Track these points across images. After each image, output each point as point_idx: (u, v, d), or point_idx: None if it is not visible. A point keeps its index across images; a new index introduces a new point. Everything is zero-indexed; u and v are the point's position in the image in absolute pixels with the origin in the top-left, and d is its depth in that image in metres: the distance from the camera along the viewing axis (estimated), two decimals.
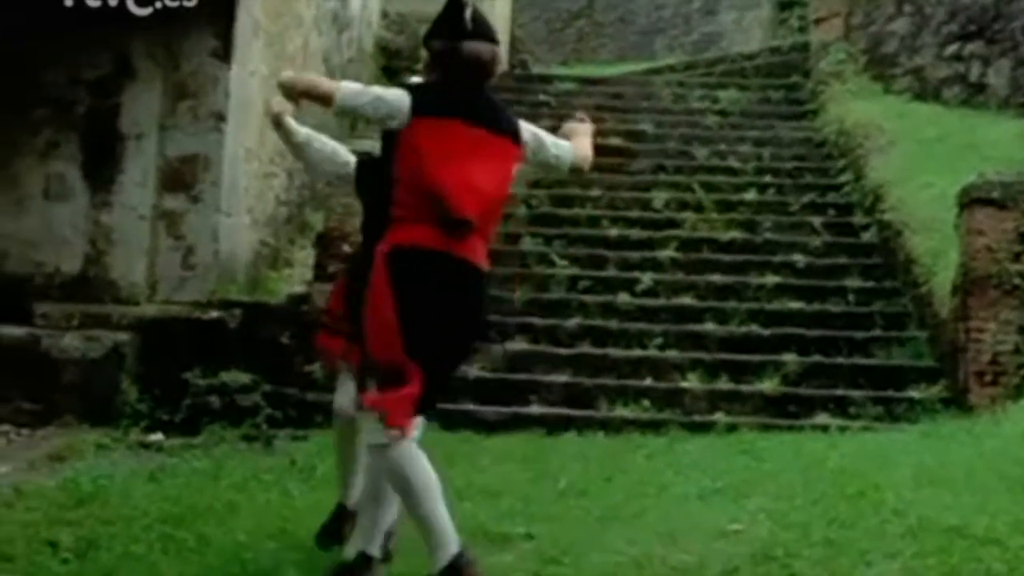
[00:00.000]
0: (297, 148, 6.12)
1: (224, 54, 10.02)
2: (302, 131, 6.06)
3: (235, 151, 10.19)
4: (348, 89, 5.00)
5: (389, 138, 5.13)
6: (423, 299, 4.84)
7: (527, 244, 12.49)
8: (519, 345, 10.69)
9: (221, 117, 9.99)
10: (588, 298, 11.42)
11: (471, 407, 9.72)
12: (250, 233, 10.77)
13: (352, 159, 6.07)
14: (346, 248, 9.83)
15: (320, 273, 9.94)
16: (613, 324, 11.02)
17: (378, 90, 5.01)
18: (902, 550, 5.40)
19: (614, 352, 10.58)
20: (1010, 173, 9.77)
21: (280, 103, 5.74)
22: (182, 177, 9.98)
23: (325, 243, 10.01)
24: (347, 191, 9.79)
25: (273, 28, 11.16)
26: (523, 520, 6.31)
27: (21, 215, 9.94)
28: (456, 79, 4.99)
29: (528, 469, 7.90)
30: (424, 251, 4.85)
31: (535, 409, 9.81)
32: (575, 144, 5.36)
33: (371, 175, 5.88)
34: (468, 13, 5.00)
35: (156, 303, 9.91)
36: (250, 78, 10.54)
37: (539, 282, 11.75)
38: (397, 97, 4.92)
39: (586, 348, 10.70)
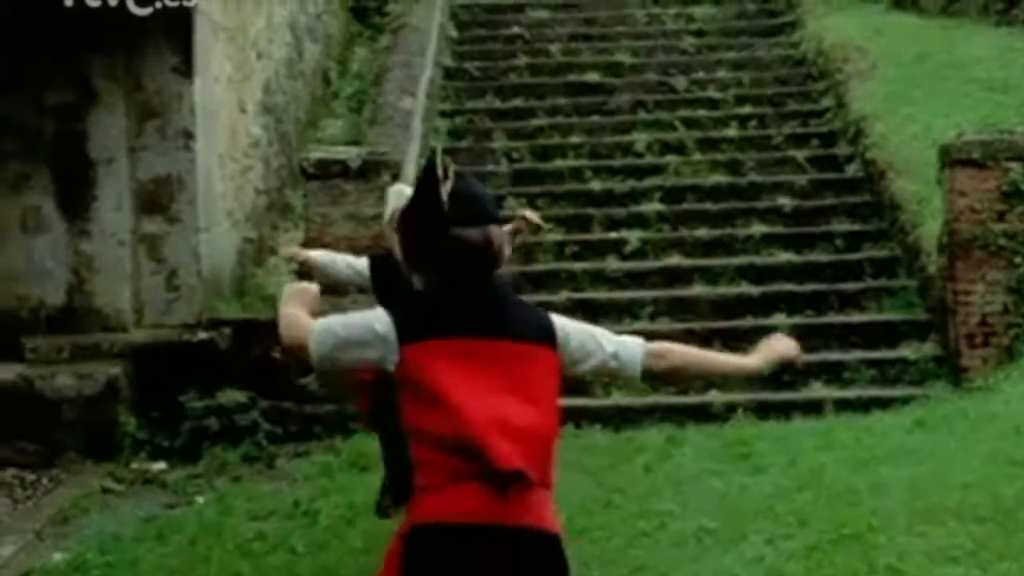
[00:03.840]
0: (321, 272, 6.42)
1: (186, 68, 9.85)
2: (323, 256, 6.46)
3: (208, 164, 10.08)
4: (317, 336, 3.60)
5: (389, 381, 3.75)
6: None
7: (510, 207, 12.39)
8: None
9: (189, 134, 9.86)
10: (576, 266, 11.40)
11: None
12: (232, 237, 10.70)
13: (363, 265, 6.35)
14: None
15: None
16: (603, 294, 11.02)
17: (350, 322, 3.64)
18: None
19: (606, 327, 10.54)
20: (990, 131, 9.68)
21: (289, 251, 6.00)
22: (157, 199, 9.88)
23: None
24: (321, 200, 9.90)
25: (232, 21, 10.96)
26: None
27: (1, 250, 9.88)
28: (452, 280, 3.65)
29: None
30: (461, 529, 3.49)
31: None
32: (679, 358, 3.88)
33: (386, 274, 6.15)
34: (446, 189, 3.58)
35: (144, 328, 9.89)
36: (214, 84, 10.39)
37: (526, 251, 11.70)
38: (376, 327, 3.58)
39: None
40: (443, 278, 3.67)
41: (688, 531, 6.90)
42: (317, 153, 10.18)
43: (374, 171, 9.83)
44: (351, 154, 9.92)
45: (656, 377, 3.91)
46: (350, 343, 3.60)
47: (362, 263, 6.33)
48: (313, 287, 3.90)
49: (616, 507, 7.52)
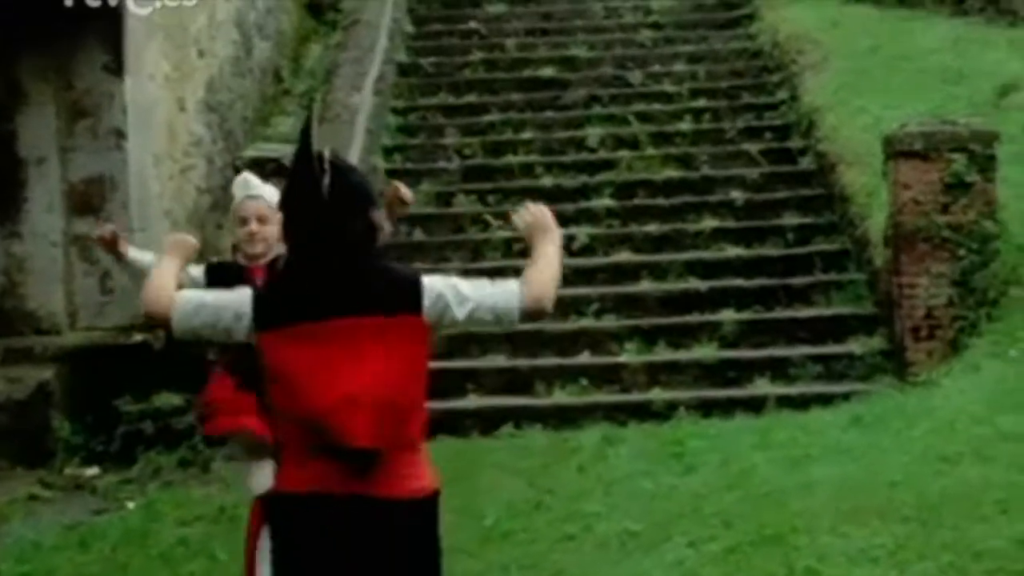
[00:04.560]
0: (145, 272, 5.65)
1: (117, 67, 9.67)
2: (142, 256, 5.60)
3: (141, 164, 9.90)
4: (180, 307, 3.86)
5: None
6: (309, 559, 3.82)
7: (461, 203, 12.26)
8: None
9: (121, 134, 9.68)
10: (523, 263, 11.17)
11: None
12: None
13: (197, 272, 5.58)
14: None
15: None
16: None
17: (219, 301, 3.89)
18: None
19: (550, 326, 10.41)
20: (933, 121, 9.52)
21: (103, 228, 5.58)
22: (89, 200, 9.71)
23: None
24: None
25: (171, 20, 10.78)
26: None
27: None
28: (318, 264, 3.85)
29: (455, 495, 7.73)
30: (313, 497, 3.78)
31: (472, 402, 9.71)
32: (530, 278, 4.00)
33: (226, 283, 5.59)
34: (325, 183, 3.82)
35: (78, 331, 9.72)
36: (149, 82, 10.20)
37: (474, 248, 11.56)
38: (235, 308, 3.85)
39: (522, 324, 10.49)
40: (310, 263, 3.87)
41: (612, 533, 6.77)
42: (251, 151, 10.01)
43: None
44: (286, 152, 9.75)
45: (531, 314, 4.03)
46: (210, 322, 3.86)
47: (197, 270, 5.91)
48: (191, 239, 4.30)
49: (545, 509, 7.39)
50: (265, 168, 9.67)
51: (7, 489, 8.75)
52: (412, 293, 3.87)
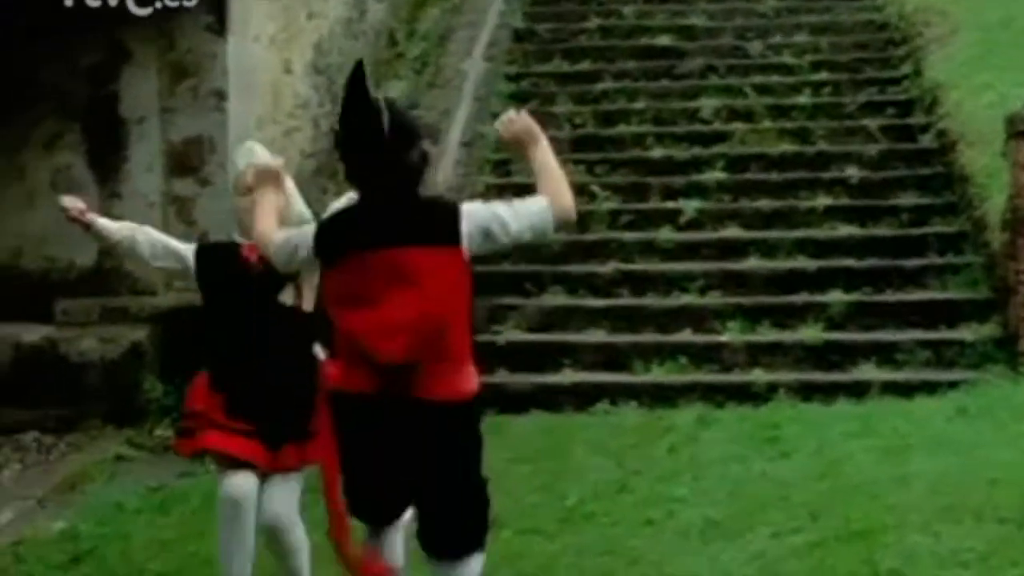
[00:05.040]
0: (120, 247, 5.58)
1: (219, 28, 9.60)
2: (116, 228, 5.49)
3: (243, 126, 9.81)
4: (275, 251, 4.54)
5: None
6: (359, 443, 4.42)
7: (568, 174, 11.95)
8: (554, 298, 10.33)
9: (221, 95, 9.62)
10: (628, 236, 10.97)
11: (501, 378, 9.46)
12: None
13: (187, 251, 5.49)
14: None
15: None
16: (653, 266, 10.59)
17: (289, 238, 4.51)
18: None
19: (652, 302, 10.18)
20: None
21: (71, 200, 5.37)
22: (188, 160, 9.67)
23: None
24: None
25: None
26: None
27: (32, 210, 9.75)
28: (372, 197, 4.35)
29: (540, 474, 7.62)
30: (355, 395, 4.35)
31: (567, 376, 9.50)
32: (548, 190, 4.36)
33: (215, 266, 5.43)
34: (386, 119, 4.25)
35: (174, 292, 9.66)
36: (253, 44, 10.13)
37: (579, 220, 11.21)
38: (301, 242, 4.45)
39: (624, 299, 10.30)
40: (373, 194, 4.33)
41: (694, 520, 6.52)
42: None
43: None
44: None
45: (561, 224, 4.42)
46: (294, 256, 4.49)
47: (186, 248, 5.47)
48: (273, 163, 4.97)
49: (629, 491, 7.17)
50: None
51: (96, 449, 8.75)
52: (452, 224, 4.29)
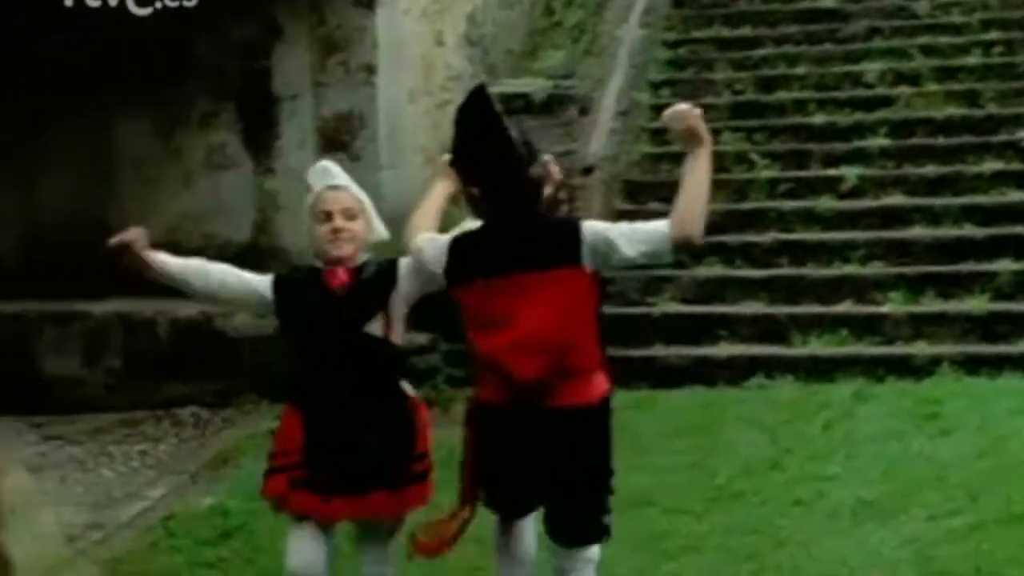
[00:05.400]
0: (174, 282, 4.81)
1: (368, 1, 9.58)
2: (173, 264, 4.75)
3: (393, 99, 9.82)
4: (416, 249, 4.57)
5: None
6: (498, 449, 4.49)
7: (726, 141, 11.73)
8: (710, 269, 10.12)
9: (371, 69, 9.61)
10: (788, 205, 10.69)
11: (655, 351, 9.32)
12: (425, 173, 10.40)
13: (262, 283, 4.81)
14: None
15: None
16: (813, 235, 10.31)
17: (431, 250, 4.47)
18: None
19: (812, 272, 9.91)
20: None
21: (133, 232, 4.57)
22: (339, 136, 9.67)
23: None
24: None
25: None
26: (652, 557, 5.90)
27: (188, 189, 9.88)
28: (498, 218, 4.34)
29: (691, 450, 7.46)
30: (498, 407, 4.42)
31: (723, 349, 9.30)
32: (680, 207, 4.15)
33: (297, 295, 4.77)
34: (516, 134, 4.27)
35: None
36: (403, 16, 10.09)
37: (737, 188, 11.05)
38: (433, 259, 4.45)
39: (783, 269, 10.04)
40: (502, 214, 4.32)
41: (846, 500, 6.32)
42: (498, 86, 9.77)
43: (559, 105, 9.41)
44: (535, 87, 9.49)
45: (680, 246, 4.23)
46: (419, 263, 4.56)
47: (260, 281, 4.81)
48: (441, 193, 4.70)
49: (781, 469, 6.99)
50: (512, 104, 9.45)
51: (249, 423, 8.82)
52: (572, 244, 4.27)
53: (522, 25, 13.36)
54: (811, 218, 10.51)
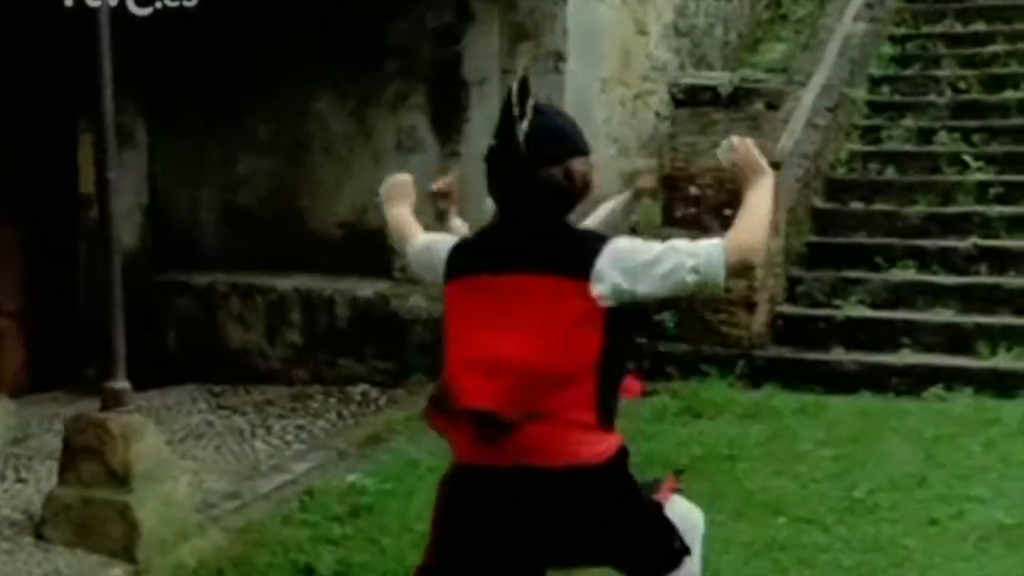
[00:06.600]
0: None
1: None
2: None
3: (583, 87, 9.72)
4: (412, 253, 4.06)
5: None
6: (463, 542, 3.66)
7: (942, 141, 11.25)
8: (903, 273, 9.72)
9: (560, 56, 9.53)
10: (994, 209, 10.17)
11: (832, 355, 9.02)
12: (618, 164, 10.32)
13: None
14: (692, 190, 9.27)
15: (667, 217, 9.38)
16: (1017, 243, 9.79)
17: (430, 250, 3.93)
18: None
19: (1010, 281, 9.42)
20: None
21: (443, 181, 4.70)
22: None
23: (671, 184, 9.39)
24: (689, 129, 9.32)
25: None
26: (763, 567, 5.71)
27: (378, 170, 9.97)
28: (510, 217, 3.65)
29: (840, 460, 7.19)
30: (467, 469, 3.60)
31: (902, 357, 8.91)
32: (739, 226, 3.56)
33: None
34: (522, 128, 3.51)
35: None
36: (600, 4, 10.00)
37: (943, 191, 10.59)
38: (440, 259, 3.79)
39: (980, 277, 9.56)
40: (505, 214, 3.68)
41: (981, 524, 6.01)
42: (687, 79, 9.59)
43: (746, 99, 9.16)
44: (723, 80, 9.27)
45: (735, 271, 3.56)
46: (427, 267, 3.93)
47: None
48: (405, 177, 4.42)
49: (926, 486, 6.67)
50: (699, 96, 9.26)
51: (411, 404, 8.86)
52: (587, 256, 3.52)
53: (743, 17, 13.10)
54: (1019, 225, 9.98)
